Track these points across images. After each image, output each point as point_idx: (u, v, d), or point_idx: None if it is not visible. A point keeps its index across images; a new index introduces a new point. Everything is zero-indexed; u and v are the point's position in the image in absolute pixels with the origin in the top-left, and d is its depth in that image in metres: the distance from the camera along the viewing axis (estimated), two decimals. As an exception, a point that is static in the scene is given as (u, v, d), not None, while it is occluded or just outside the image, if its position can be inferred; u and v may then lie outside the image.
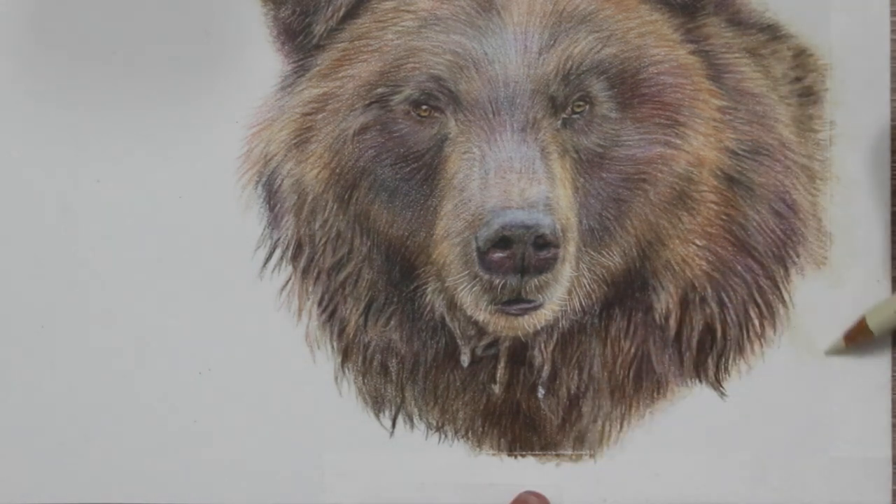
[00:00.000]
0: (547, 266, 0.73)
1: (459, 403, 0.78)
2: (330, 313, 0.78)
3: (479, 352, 0.77)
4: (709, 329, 0.77)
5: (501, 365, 0.77)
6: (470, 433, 0.78)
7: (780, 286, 0.77)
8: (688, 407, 0.77)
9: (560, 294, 0.75)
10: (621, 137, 0.76)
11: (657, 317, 0.77)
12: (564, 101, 0.75)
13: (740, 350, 0.78)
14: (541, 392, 0.77)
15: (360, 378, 0.78)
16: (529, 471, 0.77)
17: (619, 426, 0.77)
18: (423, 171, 0.76)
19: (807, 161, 0.78)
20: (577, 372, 0.77)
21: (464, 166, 0.74)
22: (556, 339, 0.77)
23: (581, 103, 0.75)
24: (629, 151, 0.76)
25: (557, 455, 0.77)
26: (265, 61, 0.78)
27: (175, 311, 0.78)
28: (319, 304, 0.78)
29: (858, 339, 0.76)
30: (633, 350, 0.77)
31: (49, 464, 0.77)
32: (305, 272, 0.78)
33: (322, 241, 0.78)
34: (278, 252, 0.78)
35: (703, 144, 0.76)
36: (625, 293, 0.77)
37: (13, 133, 0.79)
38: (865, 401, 0.76)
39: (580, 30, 0.76)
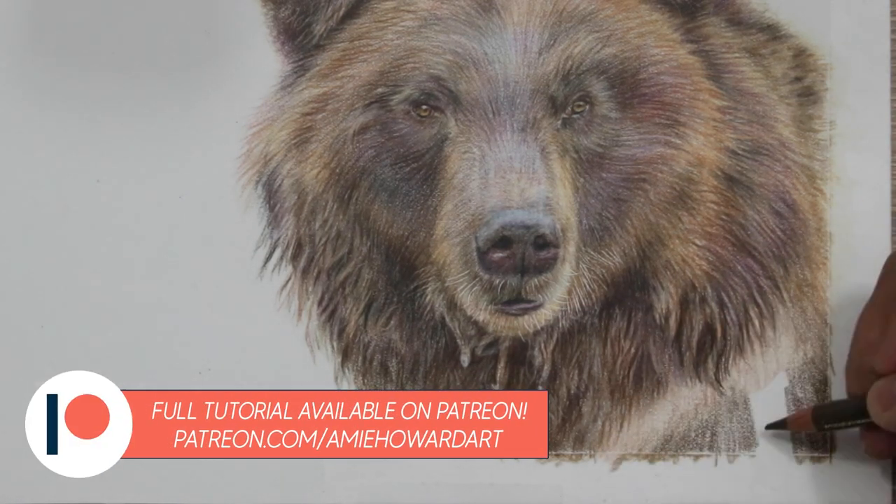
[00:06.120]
0: (547, 266, 0.73)
1: (459, 403, 0.78)
2: (330, 313, 0.78)
3: (479, 352, 0.77)
4: (709, 329, 0.77)
5: (501, 365, 0.77)
6: (470, 433, 0.78)
7: (780, 286, 0.77)
8: (688, 407, 0.77)
9: (560, 294, 0.75)
10: (621, 137, 0.76)
11: (657, 317, 0.77)
12: (564, 100, 0.75)
13: (740, 350, 0.77)
14: (541, 392, 0.77)
15: (360, 378, 0.78)
16: (529, 471, 0.77)
17: (619, 426, 0.77)
18: (423, 171, 0.76)
19: (807, 161, 0.78)
20: (577, 372, 0.77)
21: (464, 166, 0.74)
22: (556, 339, 0.77)
23: (581, 103, 0.75)
24: (629, 151, 0.76)
25: (557, 455, 0.77)
26: (265, 61, 0.78)
27: (175, 311, 0.78)
28: (319, 304, 0.78)
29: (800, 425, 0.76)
30: (633, 350, 0.77)
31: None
32: (305, 272, 0.78)
33: (322, 241, 0.78)
34: (278, 252, 0.78)
35: (703, 144, 0.76)
36: (625, 293, 0.77)
37: (13, 133, 0.79)
38: (865, 401, 0.76)
39: (580, 30, 0.76)
